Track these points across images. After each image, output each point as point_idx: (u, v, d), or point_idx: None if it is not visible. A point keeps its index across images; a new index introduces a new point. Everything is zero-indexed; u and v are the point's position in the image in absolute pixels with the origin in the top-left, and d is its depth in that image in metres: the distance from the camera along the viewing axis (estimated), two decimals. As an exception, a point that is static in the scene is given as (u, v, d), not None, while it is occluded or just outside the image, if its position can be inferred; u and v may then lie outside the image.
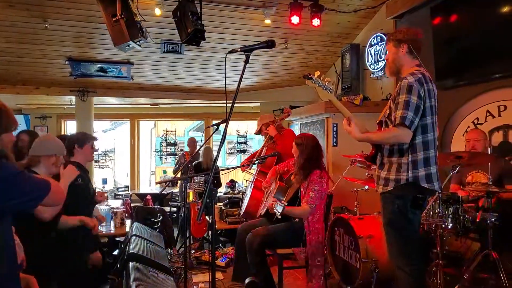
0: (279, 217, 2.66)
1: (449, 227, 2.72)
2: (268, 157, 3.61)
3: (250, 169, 4.05)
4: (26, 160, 2.37)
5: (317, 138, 3.09)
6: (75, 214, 2.65)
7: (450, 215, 2.72)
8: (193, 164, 5.43)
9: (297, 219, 2.93)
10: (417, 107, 1.99)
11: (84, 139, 2.89)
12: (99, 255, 2.78)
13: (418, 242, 2.16)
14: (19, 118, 7.22)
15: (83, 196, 2.77)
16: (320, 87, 2.13)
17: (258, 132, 4.16)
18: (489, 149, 3.04)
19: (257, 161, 3.67)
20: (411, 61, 2.15)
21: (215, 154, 2.21)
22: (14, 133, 1.56)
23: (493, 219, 2.52)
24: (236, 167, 3.60)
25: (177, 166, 6.13)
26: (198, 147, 5.70)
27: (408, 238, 2.09)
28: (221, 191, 6.14)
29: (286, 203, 2.73)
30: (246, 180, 4.40)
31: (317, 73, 2.14)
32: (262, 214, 3.22)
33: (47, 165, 2.31)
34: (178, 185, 5.61)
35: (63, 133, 7.30)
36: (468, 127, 3.66)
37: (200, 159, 5.54)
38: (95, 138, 2.99)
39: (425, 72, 2.10)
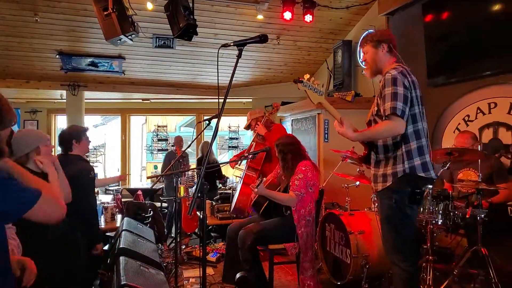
0: (255, 190, 2.77)
1: (439, 223, 2.74)
2: (257, 153, 3.60)
3: (239, 165, 4.04)
4: (14, 160, 2.30)
5: (292, 136, 3.18)
6: (93, 207, 2.86)
7: (441, 211, 2.75)
8: (197, 159, 5.54)
9: (288, 212, 2.94)
10: (405, 97, 1.99)
11: (80, 134, 2.97)
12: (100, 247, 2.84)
13: (413, 238, 2.16)
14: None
15: (94, 188, 2.93)
16: (310, 90, 2.11)
17: (248, 127, 4.15)
18: (479, 146, 3.06)
19: (247, 157, 3.65)
20: (390, 58, 2.19)
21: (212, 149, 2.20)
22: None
23: (482, 215, 2.56)
24: (225, 163, 3.60)
25: (164, 163, 6.08)
26: (184, 145, 5.67)
27: (405, 233, 2.09)
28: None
29: (264, 178, 2.84)
30: (236, 176, 4.40)
31: (306, 76, 2.12)
32: (249, 205, 3.24)
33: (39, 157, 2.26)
34: (165, 181, 5.58)
35: (53, 128, 7.22)
36: (459, 123, 3.70)
37: (200, 154, 5.57)
38: (87, 129, 3.09)
39: (404, 66, 2.14)
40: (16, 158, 2.24)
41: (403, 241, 2.09)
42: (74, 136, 2.91)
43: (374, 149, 2.19)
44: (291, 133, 5.37)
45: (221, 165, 5.28)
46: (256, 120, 3.99)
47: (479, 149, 2.92)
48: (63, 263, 2.39)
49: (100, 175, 7.30)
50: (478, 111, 3.52)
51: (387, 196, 2.09)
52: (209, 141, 6.00)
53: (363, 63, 4.76)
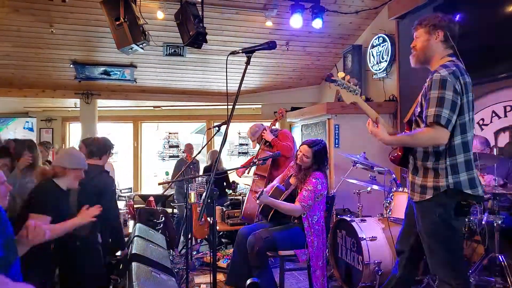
0: (257, 202, 2.80)
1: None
2: (268, 159, 3.58)
3: (248, 173, 4.02)
4: (51, 169, 2.40)
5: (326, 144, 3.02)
6: (118, 217, 3.04)
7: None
8: (204, 167, 5.58)
9: (296, 221, 2.91)
10: (453, 103, 1.75)
11: (111, 148, 3.08)
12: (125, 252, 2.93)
13: (462, 252, 1.98)
14: (24, 120, 7.31)
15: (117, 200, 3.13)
16: (344, 89, 1.96)
17: (255, 146, 4.05)
18: (495, 149, 2.99)
19: (257, 162, 3.64)
20: (444, 50, 1.92)
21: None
22: None
23: (499, 222, 2.49)
24: (235, 169, 3.58)
25: (174, 171, 6.07)
26: (194, 152, 5.68)
27: (454, 248, 1.87)
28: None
29: (265, 189, 2.83)
30: (245, 185, 4.39)
31: (341, 75, 1.97)
32: (257, 213, 3.22)
33: (72, 178, 2.37)
34: (175, 187, 5.59)
35: (67, 135, 7.36)
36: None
37: (209, 162, 5.60)
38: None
39: (459, 62, 1.88)
40: (55, 168, 2.33)
41: (453, 256, 1.87)
42: (109, 148, 3.01)
43: (412, 152, 1.97)
44: (301, 138, 5.36)
45: (229, 172, 5.26)
46: (260, 137, 3.94)
47: (495, 153, 2.86)
48: (85, 268, 2.49)
49: (113, 182, 7.39)
50: (493, 114, 3.46)
51: (428, 210, 1.87)
52: (217, 149, 6.03)
53: (373, 66, 4.75)
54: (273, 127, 4.06)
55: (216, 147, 7.24)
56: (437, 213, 1.83)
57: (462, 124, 1.82)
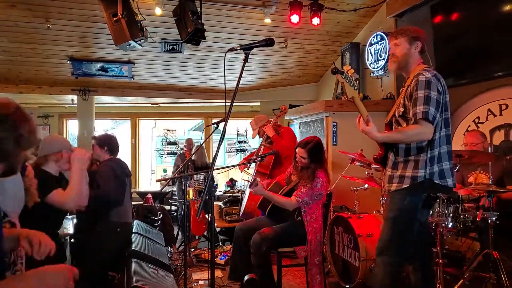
0: (249, 189, 2.87)
1: (449, 226, 2.72)
2: (266, 156, 3.58)
3: (248, 169, 4.04)
4: (35, 160, 2.47)
5: (321, 140, 2.99)
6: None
7: (450, 214, 2.72)
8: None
9: (299, 218, 2.92)
10: (438, 102, 1.96)
11: None
12: None
13: (411, 244, 2.11)
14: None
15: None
16: (348, 83, 2.04)
17: (255, 136, 4.11)
18: (490, 148, 3.02)
19: (255, 160, 3.65)
20: (419, 59, 2.14)
21: (212, 153, 2.21)
22: None
23: (494, 218, 2.52)
24: (234, 166, 3.59)
25: (175, 168, 6.10)
26: (194, 147, 5.70)
27: (407, 236, 2.05)
28: (221, 189, 6.15)
29: (258, 179, 2.87)
30: (245, 180, 4.39)
31: (347, 68, 2.05)
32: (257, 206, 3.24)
33: (54, 163, 2.43)
34: (177, 184, 5.62)
35: (64, 132, 7.34)
36: (469, 126, 3.66)
37: (193, 158, 5.57)
38: None
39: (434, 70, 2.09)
40: (36, 159, 2.40)
41: (401, 243, 2.05)
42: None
43: (393, 150, 2.12)
44: (299, 136, 5.37)
45: (229, 168, 5.26)
46: (262, 127, 3.97)
47: (490, 151, 2.88)
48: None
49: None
50: (489, 112, 3.48)
51: (400, 197, 2.04)
52: (203, 145, 6.02)
53: (371, 64, 4.76)
54: (275, 122, 4.06)
55: (214, 144, 7.25)
56: (407, 201, 2.02)
57: (443, 120, 2.02)
